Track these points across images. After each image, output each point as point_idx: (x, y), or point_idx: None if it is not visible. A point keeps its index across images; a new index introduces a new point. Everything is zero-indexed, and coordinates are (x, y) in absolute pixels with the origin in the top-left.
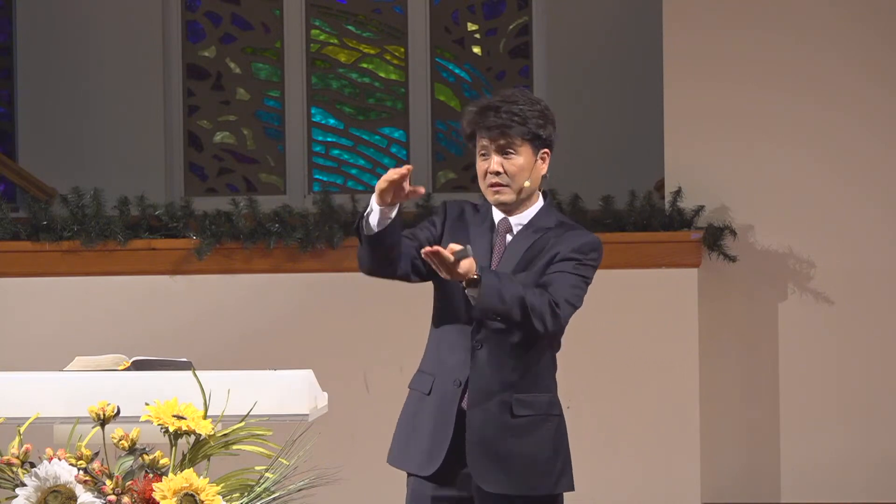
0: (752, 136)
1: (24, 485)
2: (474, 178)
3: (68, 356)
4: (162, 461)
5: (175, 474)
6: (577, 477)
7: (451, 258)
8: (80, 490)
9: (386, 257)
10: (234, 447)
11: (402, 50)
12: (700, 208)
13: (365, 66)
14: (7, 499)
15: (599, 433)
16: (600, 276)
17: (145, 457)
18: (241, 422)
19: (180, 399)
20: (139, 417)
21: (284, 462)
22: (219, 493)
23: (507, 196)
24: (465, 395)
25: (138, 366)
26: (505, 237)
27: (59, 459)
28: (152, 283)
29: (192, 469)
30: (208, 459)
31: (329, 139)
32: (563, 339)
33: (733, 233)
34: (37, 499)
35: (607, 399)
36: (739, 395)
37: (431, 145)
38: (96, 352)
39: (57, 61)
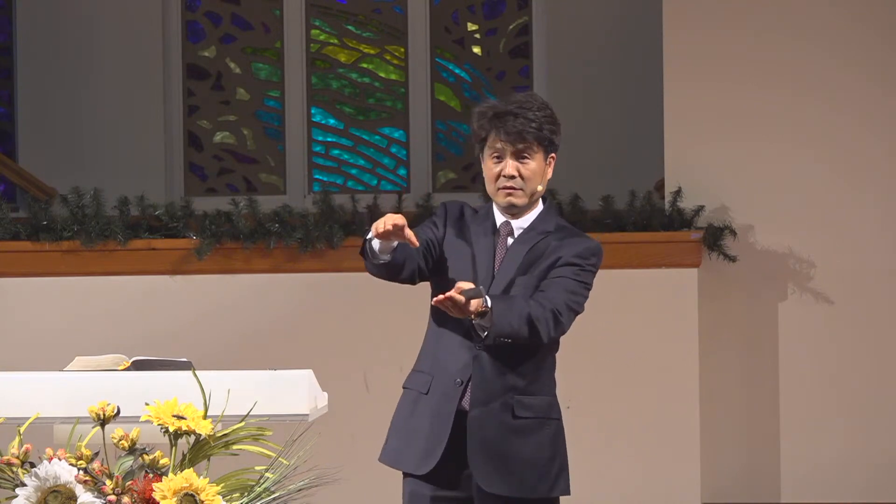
0: (752, 136)
1: (24, 485)
2: (474, 178)
3: (68, 356)
4: (162, 461)
5: (175, 474)
6: (576, 477)
7: (463, 299)
8: (80, 490)
9: (392, 272)
10: (234, 447)
11: (402, 50)
12: (700, 208)
13: (365, 66)
14: (7, 499)
15: (599, 433)
16: (600, 276)
17: (145, 457)
18: (241, 422)
19: (180, 399)
20: (139, 417)
21: (284, 462)
22: (219, 493)
23: (520, 199)
24: (465, 395)
25: (138, 366)
26: (506, 240)
27: (59, 459)
28: (152, 283)
29: (192, 469)
30: (208, 459)
31: (329, 139)
32: (563, 339)
33: (733, 233)
34: (37, 499)
35: (607, 399)
36: (739, 395)
37: (431, 145)
38: (96, 352)
39: (57, 61)
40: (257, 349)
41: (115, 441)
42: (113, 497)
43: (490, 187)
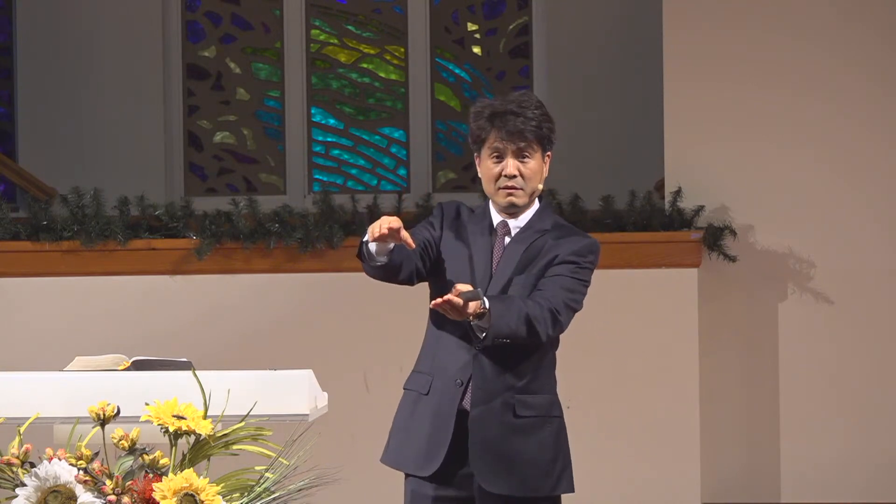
0: (752, 136)
1: (24, 485)
2: (474, 178)
3: (68, 356)
4: (162, 461)
5: (175, 474)
6: (577, 477)
7: (461, 302)
8: (80, 490)
9: (390, 273)
10: (234, 447)
11: (402, 50)
12: (700, 208)
13: (365, 66)
14: (7, 499)
15: (599, 433)
16: (600, 276)
17: (145, 457)
18: (241, 422)
19: (180, 399)
20: (139, 417)
21: (284, 462)
22: (219, 493)
23: (521, 199)
24: (466, 395)
25: (138, 366)
26: (504, 239)
27: (59, 459)
28: (152, 283)
29: (192, 469)
30: (208, 459)
31: (329, 139)
32: (563, 339)
33: (733, 233)
34: (37, 499)
35: (607, 399)
36: (739, 395)
37: (431, 145)
38: (96, 352)
39: (57, 61)
40: (257, 349)
41: (115, 441)
42: (113, 497)
43: (489, 187)
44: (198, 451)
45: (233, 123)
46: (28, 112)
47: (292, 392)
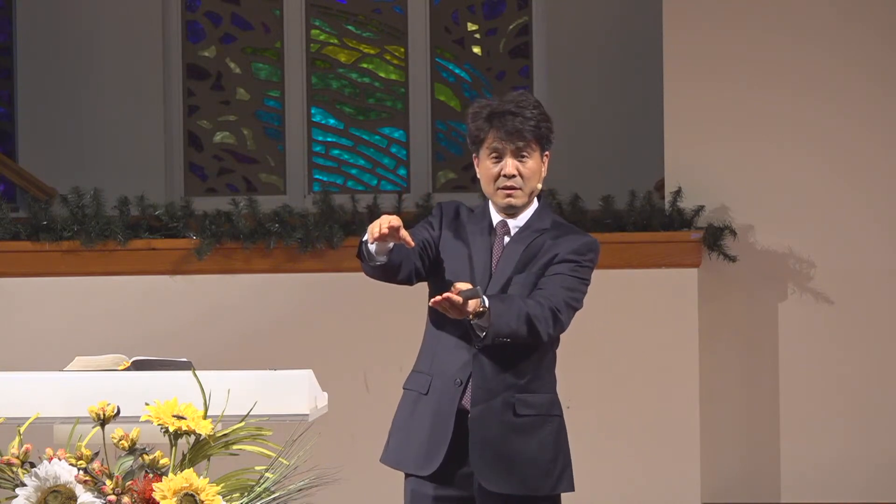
0: (752, 136)
1: (24, 485)
2: (474, 178)
3: (68, 356)
4: (162, 461)
5: (175, 474)
6: (576, 477)
7: (460, 300)
8: (80, 490)
9: (389, 273)
10: (234, 447)
11: (402, 50)
12: (700, 208)
13: (365, 66)
14: (7, 499)
15: (599, 433)
16: (600, 276)
17: (145, 457)
18: (241, 422)
19: (180, 399)
20: (139, 417)
21: (284, 462)
22: (219, 493)
23: (520, 199)
24: (465, 395)
25: (138, 366)
26: (503, 239)
27: (59, 459)
28: (152, 283)
29: (192, 469)
30: (208, 459)
31: (329, 139)
32: (563, 338)
33: (733, 233)
34: (37, 499)
35: (607, 399)
36: (739, 395)
37: (431, 145)
38: (96, 352)
39: (57, 61)
40: (257, 349)
41: (115, 441)
42: (113, 497)
43: (488, 187)
44: (198, 451)
45: (233, 123)
46: (28, 112)
47: (292, 392)
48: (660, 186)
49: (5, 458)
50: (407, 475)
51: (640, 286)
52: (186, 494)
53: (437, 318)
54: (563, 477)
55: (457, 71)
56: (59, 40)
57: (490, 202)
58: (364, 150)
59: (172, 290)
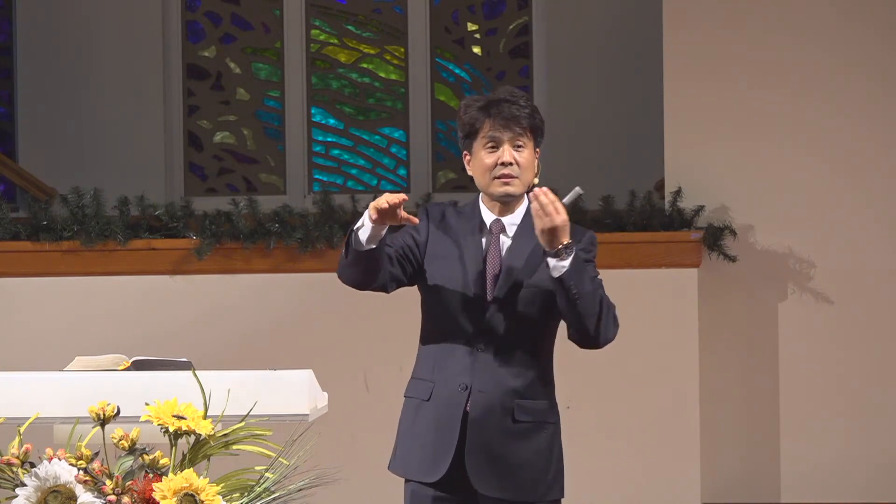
0: (752, 136)
1: (24, 485)
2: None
3: (68, 356)
4: (162, 461)
5: (175, 474)
6: (576, 477)
7: (558, 203)
8: (80, 490)
9: (369, 270)
10: (234, 447)
11: (402, 50)
12: (700, 208)
13: (365, 66)
14: (7, 499)
15: (599, 433)
16: (601, 275)
17: (145, 457)
18: (241, 422)
19: (180, 399)
20: (139, 417)
21: (284, 462)
22: (219, 493)
23: (516, 188)
24: (469, 399)
25: (138, 366)
26: (499, 238)
27: (59, 459)
28: (152, 283)
29: (192, 469)
30: (208, 459)
31: (329, 139)
32: (563, 338)
33: (733, 233)
34: (37, 499)
35: (607, 399)
36: (739, 395)
37: (431, 145)
38: (96, 352)
39: (57, 61)
40: (257, 349)
41: (115, 441)
42: (113, 497)
43: (484, 179)
44: (198, 451)
45: (233, 123)
46: (28, 112)
47: (292, 392)
48: (660, 186)
49: (5, 458)
50: (408, 480)
51: (640, 286)
52: (186, 494)
53: (435, 323)
54: (554, 484)
55: (457, 71)
56: (59, 40)
57: (480, 201)
58: (364, 150)
59: (172, 290)
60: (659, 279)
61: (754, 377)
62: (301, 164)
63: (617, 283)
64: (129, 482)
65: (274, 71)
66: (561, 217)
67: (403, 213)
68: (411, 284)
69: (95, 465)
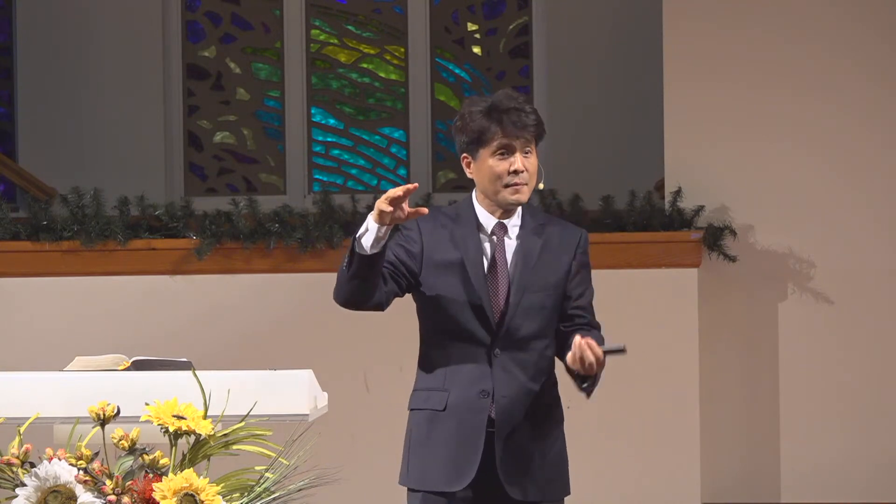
0: (752, 136)
1: (24, 485)
2: None
3: (68, 356)
4: (162, 461)
5: (175, 474)
6: (576, 477)
7: (601, 356)
8: (80, 490)
9: (370, 282)
10: (234, 447)
11: (402, 50)
12: (700, 208)
13: (365, 66)
14: (7, 499)
15: (599, 433)
16: (600, 276)
17: (145, 457)
18: (241, 422)
19: (180, 399)
20: (139, 417)
21: (284, 462)
22: (219, 493)
23: (526, 195)
24: (494, 406)
25: (138, 366)
26: (503, 240)
27: (59, 459)
28: (152, 283)
29: (192, 469)
30: (208, 459)
31: (329, 139)
32: None
33: (733, 233)
34: (37, 499)
35: (607, 399)
36: (739, 395)
37: (431, 145)
38: (96, 352)
39: (57, 61)
40: (257, 349)
41: (115, 441)
42: (113, 497)
43: (493, 185)
44: (198, 451)
45: (233, 123)
46: (28, 112)
47: (292, 392)
48: (660, 186)
49: (5, 458)
50: (414, 490)
51: (640, 286)
52: (186, 494)
53: (443, 333)
54: (567, 480)
55: (457, 71)
56: (59, 40)
57: (476, 203)
58: (364, 150)
59: (172, 290)
60: (659, 279)
61: (754, 377)
62: (301, 164)
63: (617, 283)
64: (129, 482)
65: (274, 71)
66: (591, 369)
67: (409, 208)
68: (404, 294)
69: (95, 465)
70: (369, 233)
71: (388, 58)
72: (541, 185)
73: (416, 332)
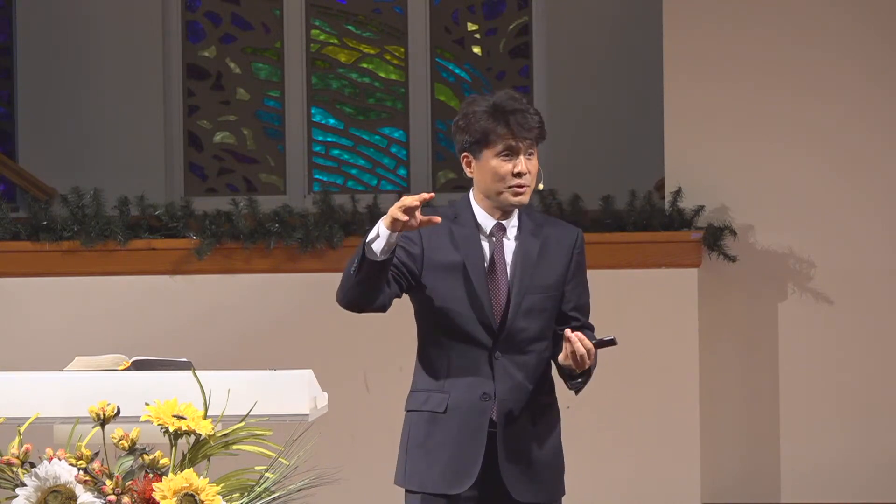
0: (752, 136)
1: (24, 485)
2: None
3: (68, 356)
4: (162, 461)
5: (175, 474)
6: (576, 477)
7: (591, 348)
8: (80, 490)
9: (376, 286)
10: (234, 447)
11: (402, 50)
12: (700, 208)
13: (365, 66)
14: (7, 499)
15: (599, 433)
16: (600, 276)
17: (145, 457)
18: (241, 422)
19: (180, 399)
20: (139, 417)
21: (284, 462)
22: (219, 493)
23: (527, 198)
24: (496, 408)
25: (138, 366)
26: (502, 241)
27: (59, 459)
28: (152, 283)
29: (192, 469)
30: (208, 459)
31: (329, 139)
32: None
33: (733, 233)
34: (37, 499)
35: (607, 399)
36: (739, 395)
37: (431, 145)
38: (96, 352)
39: (57, 61)
40: (257, 349)
41: (115, 441)
42: (113, 497)
43: (495, 186)
44: (198, 451)
45: (233, 123)
46: (28, 112)
47: (292, 392)
48: (660, 186)
49: (5, 458)
50: (413, 492)
51: (640, 286)
52: (186, 494)
53: (443, 334)
54: (563, 480)
55: (457, 71)
56: (59, 40)
57: (474, 204)
58: (364, 150)
59: (172, 290)
60: (659, 279)
61: (754, 377)
62: (301, 164)
63: (617, 283)
64: (129, 482)
65: (274, 71)
66: (582, 364)
67: (421, 216)
68: (402, 295)
69: (95, 465)
70: (380, 238)
71: (388, 58)
72: (540, 186)
73: (416, 332)
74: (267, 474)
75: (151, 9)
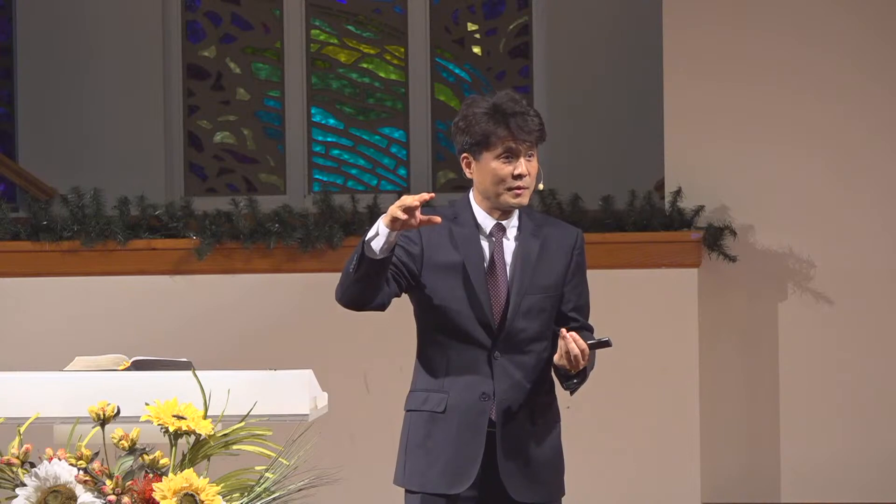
0: (752, 136)
1: (24, 485)
2: None
3: (68, 356)
4: (162, 461)
5: (175, 474)
6: (576, 477)
7: (586, 350)
8: (80, 490)
9: (375, 284)
10: (234, 447)
11: (402, 50)
12: (700, 208)
13: (365, 66)
14: (7, 499)
15: (599, 433)
16: (600, 276)
17: (145, 457)
18: (241, 422)
19: (180, 399)
20: (139, 417)
21: (284, 462)
22: (219, 493)
23: (527, 199)
24: (495, 408)
25: (138, 366)
26: (501, 242)
27: (59, 459)
28: (152, 283)
29: (192, 469)
30: (208, 459)
31: (329, 139)
32: None
33: (733, 233)
34: (37, 499)
35: (607, 399)
36: (739, 395)
37: (431, 145)
38: (96, 352)
39: (57, 61)
40: (257, 349)
41: (115, 441)
42: (113, 497)
43: (496, 188)
44: (198, 451)
45: (233, 123)
46: (28, 112)
47: (292, 392)
48: (660, 186)
49: (5, 458)
50: (412, 492)
51: (640, 286)
52: (186, 494)
53: (443, 333)
54: (563, 481)
55: (457, 71)
56: (59, 40)
57: (474, 204)
58: (364, 150)
59: (172, 290)
60: (659, 279)
61: (754, 377)
62: (301, 164)
63: (617, 283)
64: (129, 482)
65: (274, 71)
66: (577, 364)
67: (421, 216)
68: (401, 294)
69: (95, 465)
70: (380, 237)
71: (388, 58)
72: (540, 186)
73: (415, 332)
74: (267, 474)
75: (151, 9)
